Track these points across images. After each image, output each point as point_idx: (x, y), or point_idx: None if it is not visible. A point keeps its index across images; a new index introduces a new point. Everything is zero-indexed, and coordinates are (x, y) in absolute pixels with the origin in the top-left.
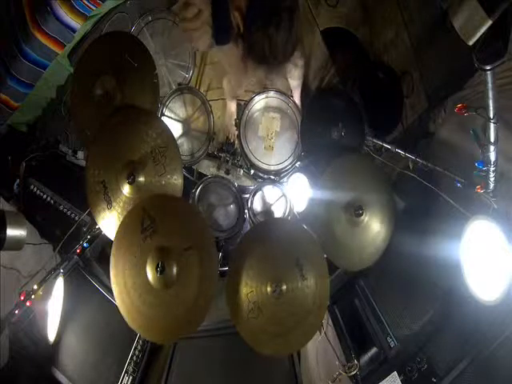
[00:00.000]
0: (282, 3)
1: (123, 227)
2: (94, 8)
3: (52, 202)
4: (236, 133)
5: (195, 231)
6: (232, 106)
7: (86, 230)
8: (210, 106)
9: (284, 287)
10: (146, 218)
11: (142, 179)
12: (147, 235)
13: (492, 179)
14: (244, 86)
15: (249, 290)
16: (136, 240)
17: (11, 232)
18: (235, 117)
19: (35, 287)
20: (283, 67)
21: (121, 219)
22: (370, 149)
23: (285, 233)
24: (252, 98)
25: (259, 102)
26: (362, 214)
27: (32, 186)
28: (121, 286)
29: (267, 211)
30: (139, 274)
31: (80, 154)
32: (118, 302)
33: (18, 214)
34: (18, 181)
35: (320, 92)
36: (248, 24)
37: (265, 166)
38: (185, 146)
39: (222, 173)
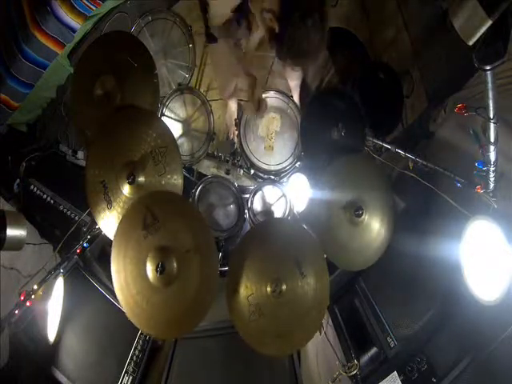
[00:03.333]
0: (309, 4)
1: (125, 222)
2: (94, 8)
3: (52, 202)
4: (236, 133)
5: (196, 231)
6: (232, 106)
7: (85, 230)
8: (210, 106)
9: (284, 287)
10: (149, 215)
11: (142, 179)
12: (149, 232)
13: (492, 179)
14: (232, 87)
15: (249, 292)
16: (137, 236)
17: (11, 232)
18: (235, 116)
19: (35, 287)
20: (315, 59)
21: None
22: (370, 149)
23: (285, 233)
24: None
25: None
26: (361, 214)
27: (32, 186)
28: (121, 281)
29: (267, 211)
30: (139, 272)
31: (80, 154)
32: (118, 295)
33: (18, 214)
34: (18, 181)
35: (320, 92)
36: (284, 23)
37: (265, 166)
38: (185, 146)
39: (222, 173)
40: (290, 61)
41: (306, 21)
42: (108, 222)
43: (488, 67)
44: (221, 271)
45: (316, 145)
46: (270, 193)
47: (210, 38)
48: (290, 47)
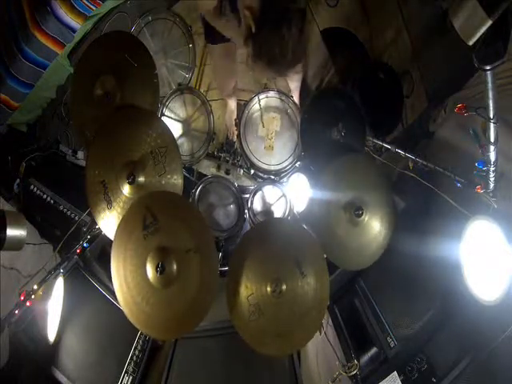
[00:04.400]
0: (293, 3)
1: (125, 222)
2: (94, 8)
3: (52, 202)
4: (236, 133)
5: (196, 231)
6: (231, 105)
7: (85, 230)
8: (210, 106)
9: (284, 287)
10: (149, 215)
11: (142, 179)
12: (149, 232)
13: (492, 179)
14: (231, 86)
15: (249, 292)
16: (137, 236)
17: (11, 232)
18: (235, 116)
19: (35, 287)
20: (292, 68)
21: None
22: (370, 149)
23: (285, 233)
24: (252, 98)
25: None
26: (361, 214)
27: (32, 186)
28: (121, 281)
29: (267, 211)
30: (139, 272)
31: (80, 154)
32: (118, 295)
33: (18, 214)
34: (18, 181)
35: (320, 92)
36: (260, 24)
37: (265, 166)
38: (185, 146)
39: (222, 173)
40: (260, 64)
41: (280, 26)
42: (108, 222)
43: (488, 67)
44: (221, 271)
45: (316, 145)
46: (269, 193)
47: (209, 38)
48: (259, 50)
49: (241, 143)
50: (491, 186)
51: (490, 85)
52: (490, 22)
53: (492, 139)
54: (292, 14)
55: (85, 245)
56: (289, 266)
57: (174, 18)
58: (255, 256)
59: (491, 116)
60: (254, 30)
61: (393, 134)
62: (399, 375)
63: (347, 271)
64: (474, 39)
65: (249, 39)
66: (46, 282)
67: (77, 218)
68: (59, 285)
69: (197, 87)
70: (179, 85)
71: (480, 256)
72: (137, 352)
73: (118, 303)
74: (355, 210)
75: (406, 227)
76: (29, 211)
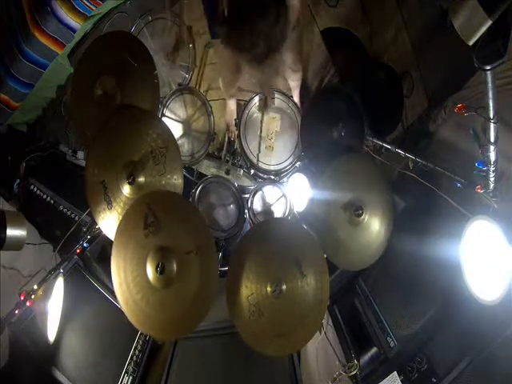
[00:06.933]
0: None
1: (126, 221)
2: (94, 8)
3: (52, 201)
4: (236, 133)
5: (197, 231)
6: (231, 105)
7: (85, 230)
8: (211, 107)
9: (284, 287)
10: (150, 215)
11: (142, 179)
12: (150, 231)
13: (492, 179)
14: (236, 85)
15: (249, 292)
16: (138, 235)
17: (11, 232)
18: (235, 116)
19: (35, 287)
20: (266, 59)
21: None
22: (370, 149)
23: (285, 233)
24: (252, 98)
25: (259, 102)
26: (361, 214)
27: (32, 186)
28: (121, 280)
29: (267, 211)
30: (139, 272)
31: (80, 154)
32: (118, 294)
33: (18, 214)
34: (18, 181)
35: (320, 92)
36: (233, 9)
37: (265, 166)
38: (185, 146)
39: (222, 173)
40: (230, 50)
41: (252, 15)
42: (108, 222)
43: (488, 67)
44: (221, 271)
45: (316, 145)
46: (269, 193)
47: (214, 33)
48: (228, 35)
49: (241, 143)
50: (491, 185)
51: (489, 85)
52: (490, 22)
53: (492, 139)
54: (269, 4)
55: (85, 245)
56: (289, 266)
57: (174, 18)
58: (255, 256)
59: (491, 116)
60: (226, 13)
61: (393, 134)
62: (399, 375)
63: (347, 271)
64: (474, 39)
65: (222, 23)
66: (46, 281)
67: (77, 218)
68: (59, 285)
69: (197, 87)
70: (179, 85)
71: (480, 256)
72: (137, 352)
73: (118, 303)
74: (355, 209)
75: (405, 227)
76: (29, 211)
